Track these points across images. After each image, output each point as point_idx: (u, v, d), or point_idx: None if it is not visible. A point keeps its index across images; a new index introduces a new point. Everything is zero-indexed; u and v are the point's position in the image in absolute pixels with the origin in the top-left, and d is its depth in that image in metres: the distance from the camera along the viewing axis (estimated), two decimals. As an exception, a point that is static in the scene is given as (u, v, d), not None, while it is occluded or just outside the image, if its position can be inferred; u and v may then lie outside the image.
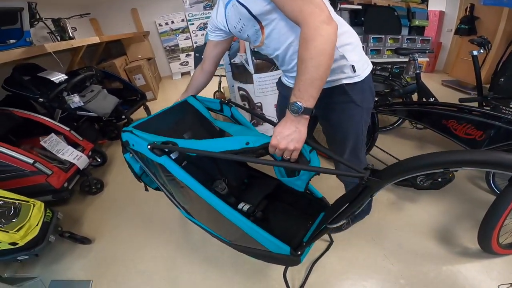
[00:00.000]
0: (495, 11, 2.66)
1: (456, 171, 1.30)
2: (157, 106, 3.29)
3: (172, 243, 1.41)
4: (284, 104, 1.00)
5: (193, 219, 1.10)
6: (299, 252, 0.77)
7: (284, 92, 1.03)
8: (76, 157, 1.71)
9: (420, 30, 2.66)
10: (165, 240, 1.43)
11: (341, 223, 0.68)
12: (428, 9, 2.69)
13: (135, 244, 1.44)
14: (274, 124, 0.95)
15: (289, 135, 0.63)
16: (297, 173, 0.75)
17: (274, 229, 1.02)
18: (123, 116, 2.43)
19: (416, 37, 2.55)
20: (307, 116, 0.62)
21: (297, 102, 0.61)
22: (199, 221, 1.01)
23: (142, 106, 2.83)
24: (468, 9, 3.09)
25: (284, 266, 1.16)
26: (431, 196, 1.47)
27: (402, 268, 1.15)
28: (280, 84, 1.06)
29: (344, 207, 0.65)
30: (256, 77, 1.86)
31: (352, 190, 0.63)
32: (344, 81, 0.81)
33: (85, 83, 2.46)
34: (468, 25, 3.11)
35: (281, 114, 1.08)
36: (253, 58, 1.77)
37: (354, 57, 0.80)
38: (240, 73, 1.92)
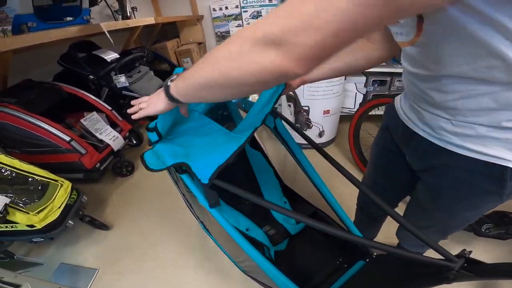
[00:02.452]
0: None
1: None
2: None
3: (186, 245, 1.33)
4: (386, 148, 0.73)
5: (211, 236, 0.98)
6: None
7: (396, 130, 0.66)
8: (112, 138, 1.72)
9: None
10: (180, 240, 1.36)
11: None
12: None
13: (150, 238, 1.39)
14: (315, 146, 0.73)
15: (151, 98, 0.58)
16: None
17: (295, 261, 0.91)
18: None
19: None
20: (164, 96, 0.52)
21: (171, 81, 0.50)
22: (217, 241, 0.90)
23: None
24: None
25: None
26: (489, 243, 1.22)
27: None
28: (392, 115, 0.67)
29: (403, 285, 0.52)
30: (306, 78, 1.62)
31: (426, 269, 0.50)
32: (511, 165, 0.47)
33: (134, 63, 2.51)
34: None
35: (378, 158, 0.82)
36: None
37: None
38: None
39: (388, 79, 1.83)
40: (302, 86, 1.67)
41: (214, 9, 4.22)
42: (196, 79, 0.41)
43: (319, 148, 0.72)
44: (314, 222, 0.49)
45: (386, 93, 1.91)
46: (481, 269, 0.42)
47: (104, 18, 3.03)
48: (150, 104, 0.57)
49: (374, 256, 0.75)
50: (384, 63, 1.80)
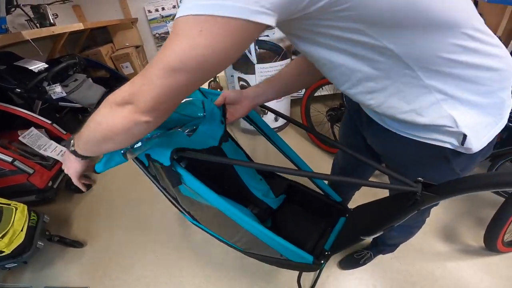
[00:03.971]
0: (499, 9, 2.66)
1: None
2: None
3: (172, 245, 1.33)
4: (352, 129, 0.79)
5: (201, 225, 1.02)
6: (322, 261, 0.72)
7: (358, 115, 0.71)
8: (60, 153, 1.57)
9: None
10: (164, 241, 1.35)
11: (377, 235, 0.61)
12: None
13: (132, 247, 1.35)
14: (286, 118, 0.84)
15: (65, 163, 0.62)
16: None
17: (286, 233, 0.95)
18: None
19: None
20: (75, 158, 0.57)
21: (73, 140, 0.56)
22: (208, 229, 0.93)
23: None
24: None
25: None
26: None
27: (410, 267, 1.14)
28: (351, 101, 0.70)
29: (384, 221, 0.57)
30: (258, 67, 1.77)
31: (397, 202, 0.55)
32: (448, 146, 0.53)
33: (67, 72, 2.28)
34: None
35: (345, 137, 0.88)
36: (256, 47, 1.67)
37: (471, 119, 0.48)
38: (241, 62, 1.81)
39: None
40: (254, 76, 1.83)
41: (149, 11, 4.03)
42: (89, 136, 0.49)
43: (298, 123, 0.82)
44: (282, 168, 0.52)
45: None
46: (440, 189, 0.45)
47: (18, 28, 2.63)
48: (68, 170, 0.61)
49: (352, 210, 0.85)
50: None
